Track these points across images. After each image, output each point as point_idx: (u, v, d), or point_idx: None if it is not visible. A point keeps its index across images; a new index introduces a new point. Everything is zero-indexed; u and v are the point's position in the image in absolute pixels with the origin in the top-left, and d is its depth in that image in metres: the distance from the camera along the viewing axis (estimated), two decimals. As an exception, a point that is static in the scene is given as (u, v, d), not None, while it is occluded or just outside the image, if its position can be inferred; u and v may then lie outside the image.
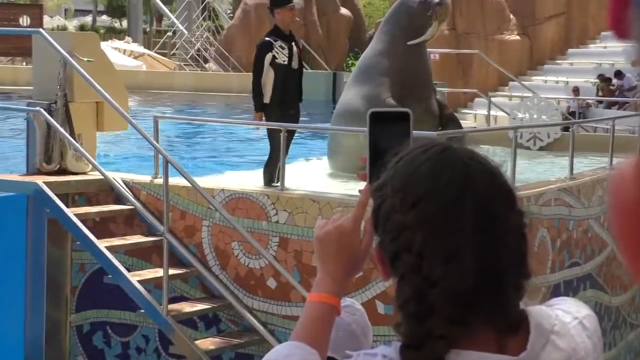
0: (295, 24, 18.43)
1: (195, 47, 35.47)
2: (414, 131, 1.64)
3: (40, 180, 7.69)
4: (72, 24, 54.77)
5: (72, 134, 8.06)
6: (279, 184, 7.93)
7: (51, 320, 8.03)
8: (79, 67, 7.94)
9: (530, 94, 15.66)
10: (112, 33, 46.39)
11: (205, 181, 8.32)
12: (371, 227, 1.49)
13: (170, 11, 42.26)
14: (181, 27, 37.22)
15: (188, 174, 7.56)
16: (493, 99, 15.91)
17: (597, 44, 26.01)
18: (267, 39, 8.87)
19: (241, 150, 15.46)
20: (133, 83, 22.43)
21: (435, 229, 1.37)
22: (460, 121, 11.72)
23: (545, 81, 24.53)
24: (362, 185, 1.65)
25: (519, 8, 26.46)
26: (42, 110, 7.96)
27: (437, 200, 1.38)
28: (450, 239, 1.36)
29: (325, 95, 27.17)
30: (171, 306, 7.37)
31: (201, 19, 38.27)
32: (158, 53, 36.83)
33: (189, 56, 35.59)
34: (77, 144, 7.94)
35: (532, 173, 10.74)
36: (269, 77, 8.75)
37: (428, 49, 11.13)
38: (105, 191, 8.07)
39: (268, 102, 8.75)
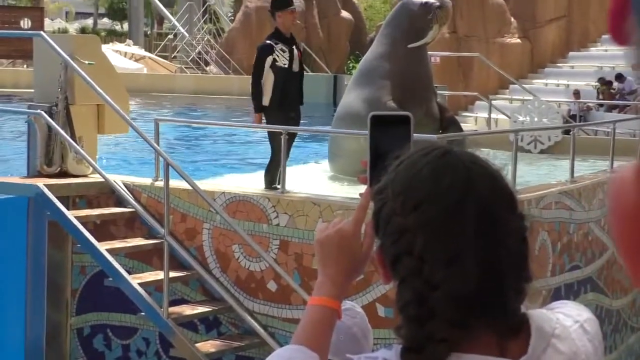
0: (296, 26, 18.46)
1: (196, 50, 35.49)
2: (414, 134, 1.64)
3: (41, 182, 7.69)
4: (73, 27, 54.83)
5: (72, 136, 8.06)
6: (279, 186, 7.93)
7: (52, 323, 8.03)
8: (79, 70, 7.94)
9: (531, 97, 15.67)
10: (113, 36, 46.47)
11: (205, 184, 8.33)
12: (372, 230, 1.49)
13: (171, 14, 42.32)
14: (182, 30, 37.23)
15: (189, 177, 7.56)
16: (494, 102, 15.92)
17: (598, 47, 26.03)
18: (268, 41, 8.88)
19: (242, 153, 15.46)
20: (134, 86, 22.43)
21: (436, 232, 1.37)
22: (461, 124, 11.72)
23: (546, 84, 24.54)
24: (363, 188, 1.65)
25: (520, 11, 26.48)
26: (43, 112, 7.96)
27: (438, 203, 1.38)
28: (452, 242, 1.36)
29: (326, 98, 27.17)
30: (172, 309, 7.37)
31: (202, 21, 38.31)
32: (159, 56, 36.87)
33: (189, 59, 35.62)
34: (78, 147, 7.94)
35: (533, 176, 10.74)
36: (268, 80, 8.76)
37: (429, 52, 11.13)
38: (106, 194, 8.08)
39: (267, 104, 8.76)
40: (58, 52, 7.97)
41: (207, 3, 40.03)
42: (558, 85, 24.23)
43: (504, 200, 1.41)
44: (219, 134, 17.99)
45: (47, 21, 44.38)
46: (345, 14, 34.23)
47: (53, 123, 7.94)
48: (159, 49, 38.77)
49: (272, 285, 7.51)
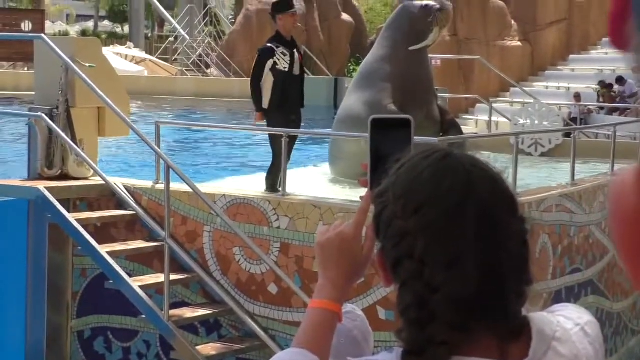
0: (297, 29, 18.45)
1: (197, 53, 35.48)
2: (415, 137, 1.64)
3: (41, 185, 7.70)
4: (73, 30, 54.84)
5: (73, 139, 8.06)
6: (281, 189, 7.93)
7: (52, 326, 8.02)
8: (80, 73, 7.95)
9: (531, 100, 15.66)
10: (114, 38, 46.48)
11: (206, 187, 8.32)
12: (373, 233, 1.49)
13: (172, 16, 42.32)
14: (183, 33, 37.23)
15: (189, 180, 7.56)
16: (494, 105, 15.91)
17: (599, 50, 26.04)
18: (269, 45, 8.87)
19: (242, 156, 15.46)
20: (135, 88, 22.45)
21: (437, 235, 1.37)
22: (462, 127, 11.72)
23: (547, 87, 24.55)
24: (364, 191, 1.65)
25: (521, 14, 26.49)
26: (43, 115, 7.96)
27: (438, 206, 1.38)
28: (452, 245, 1.37)
29: (327, 100, 27.17)
30: (172, 311, 7.37)
31: (203, 24, 38.30)
32: (160, 58, 36.88)
33: (190, 61, 35.61)
34: (78, 149, 7.94)
35: (534, 179, 10.74)
36: (267, 82, 8.75)
37: (429, 55, 11.14)
38: (107, 196, 8.08)
39: (266, 106, 8.75)
40: (59, 55, 7.97)
41: (208, 6, 40.05)
42: (559, 88, 24.24)
43: (505, 203, 1.41)
44: (219, 136, 17.99)
45: (48, 24, 44.41)
46: (346, 16, 34.24)
47: (54, 126, 7.94)
48: (159, 51, 38.77)
49: (272, 288, 7.51)
